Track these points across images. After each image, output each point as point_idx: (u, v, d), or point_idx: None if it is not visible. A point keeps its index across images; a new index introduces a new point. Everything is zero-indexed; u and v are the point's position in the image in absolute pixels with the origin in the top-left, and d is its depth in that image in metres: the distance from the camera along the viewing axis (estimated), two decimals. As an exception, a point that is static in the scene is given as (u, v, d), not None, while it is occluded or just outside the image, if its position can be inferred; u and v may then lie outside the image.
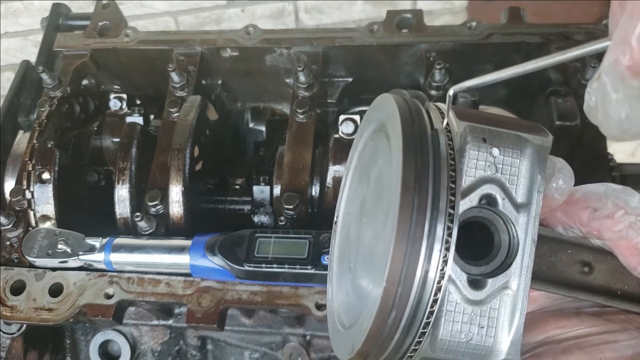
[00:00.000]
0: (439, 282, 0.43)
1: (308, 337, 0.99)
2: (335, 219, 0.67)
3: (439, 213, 0.43)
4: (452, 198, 0.44)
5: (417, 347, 0.45)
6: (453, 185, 0.44)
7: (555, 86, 1.06)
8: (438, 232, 0.43)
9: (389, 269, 0.42)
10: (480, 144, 0.46)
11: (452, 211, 0.43)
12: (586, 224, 0.51)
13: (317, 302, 0.84)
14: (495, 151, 0.46)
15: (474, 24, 1.10)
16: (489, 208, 0.46)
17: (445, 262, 0.43)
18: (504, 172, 0.46)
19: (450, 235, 0.43)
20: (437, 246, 0.43)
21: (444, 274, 0.43)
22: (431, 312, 0.43)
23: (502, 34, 1.09)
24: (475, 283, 0.46)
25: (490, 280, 0.46)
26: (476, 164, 0.45)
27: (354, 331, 0.47)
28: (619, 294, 0.54)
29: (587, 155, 1.00)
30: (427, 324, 0.44)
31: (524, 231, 0.47)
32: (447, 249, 0.43)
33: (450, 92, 0.49)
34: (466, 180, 0.45)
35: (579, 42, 1.07)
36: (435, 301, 0.43)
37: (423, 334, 0.45)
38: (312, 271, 0.82)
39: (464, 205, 0.45)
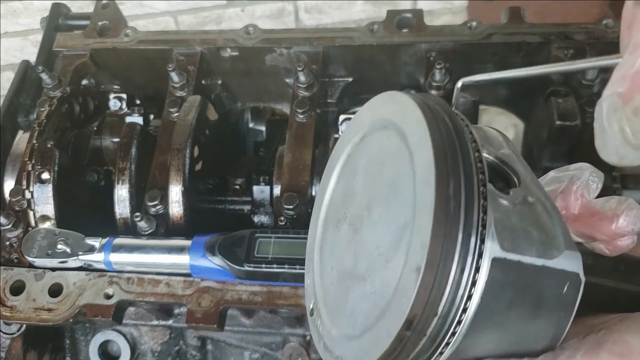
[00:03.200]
0: (470, 290, 0.43)
1: (308, 338, 0.99)
2: (318, 218, 0.64)
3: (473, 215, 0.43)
4: (483, 189, 0.44)
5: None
6: (483, 189, 0.44)
7: (555, 86, 1.06)
8: (474, 219, 0.42)
9: (422, 276, 0.40)
10: None
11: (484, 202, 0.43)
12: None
13: (317, 302, 0.84)
14: None
15: (474, 23, 1.10)
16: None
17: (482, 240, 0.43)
18: None
19: (485, 212, 0.43)
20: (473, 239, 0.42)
21: (480, 267, 0.43)
22: (459, 322, 0.43)
23: (503, 34, 1.09)
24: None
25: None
26: None
27: (366, 341, 0.46)
28: None
29: (587, 155, 0.99)
30: (454, 333, 0.43)
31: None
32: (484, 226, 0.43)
33: (459, 83, 0.49)
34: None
35: (579, 41, 1.07)
36: (465, 310, 0.43)
37: (447, 344, 0.44)
38: (312, 271, 0.82)
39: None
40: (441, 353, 0.44)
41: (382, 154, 0.53)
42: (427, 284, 0.41)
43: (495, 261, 0.43)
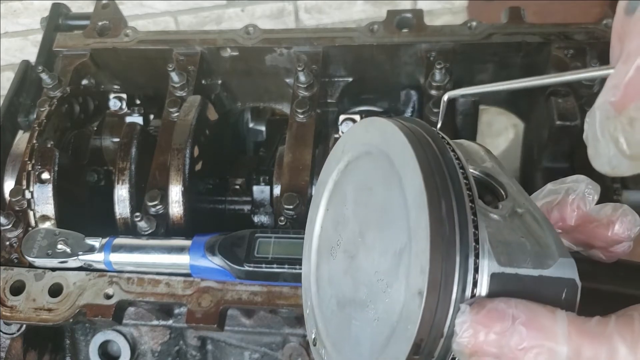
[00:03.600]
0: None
1: (308, 338, 0.98)
2: (311, 248, 0.63)
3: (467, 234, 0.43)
4: (472, 205, 0.45)
5: None
6: (476, 232, 0.44)
7: (555, 86, 1.06)
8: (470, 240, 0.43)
9: (426, 299, 0.41)
10: None
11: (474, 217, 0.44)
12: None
13: (317, 302, 0.84)
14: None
15: (474, 23, 1.10)
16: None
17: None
18: None
19: (476, 234, 0.44)
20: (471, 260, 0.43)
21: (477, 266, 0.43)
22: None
23: (503, 34, 1.09)
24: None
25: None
26: None
27: None
28: None
29: (587, 156, 1.00)
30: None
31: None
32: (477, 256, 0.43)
33: (445, 97, 0.50)
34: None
35: (580, 41, 1.07)
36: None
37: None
38: (312, 271, 0.82)
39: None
40: None
41: (370, 179, 0.54)
42: (430, 306, 0.41)
43: (493, 277, 0.44)
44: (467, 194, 0.45)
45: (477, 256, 0.43)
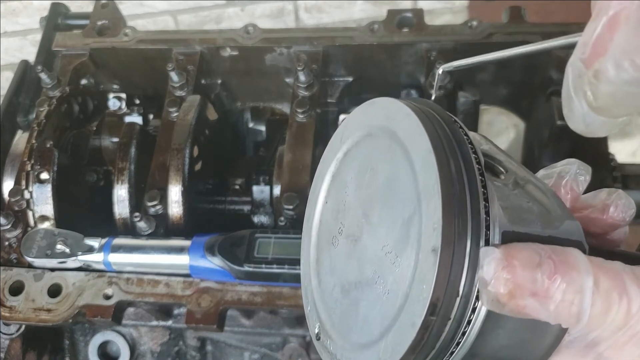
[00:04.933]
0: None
1: (308, 338, 0.98)
2: (309, 244, 0.62)
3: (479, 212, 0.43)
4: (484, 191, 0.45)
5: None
6: (485, 191, 0.44)
7: (556, 85, 1.06)
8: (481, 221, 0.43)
9: (440, 255, 0.40)
10: None
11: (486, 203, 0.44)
12: None
13: (317, 302, 0.84)
14: None
15: (474, 23, 1.09)
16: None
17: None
18: None
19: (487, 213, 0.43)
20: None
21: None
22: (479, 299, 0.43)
23: (503, 33, 1.08)
24: None
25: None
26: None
27: (389, 340, 0.46)
28: None
29: (588, 155, 1.00)
30: (474, 310, 0.43)
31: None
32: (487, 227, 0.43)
33: (440, 70, 0.50)
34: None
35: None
36: (474, 310, 0.43)
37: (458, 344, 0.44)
38: (312, 272, 0.82)
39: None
40: (464, 333, 0.44)
41: (371, 160, 0.53)
42: (445, 262, 0.41)
43: (505, 234, 0.43)
44: (474, 157, 0.45)
45: (487, 214, 0.43)
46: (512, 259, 0.41)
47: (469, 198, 0.42)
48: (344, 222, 0.56)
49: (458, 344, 0.44)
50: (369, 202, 0.52)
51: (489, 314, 0.43)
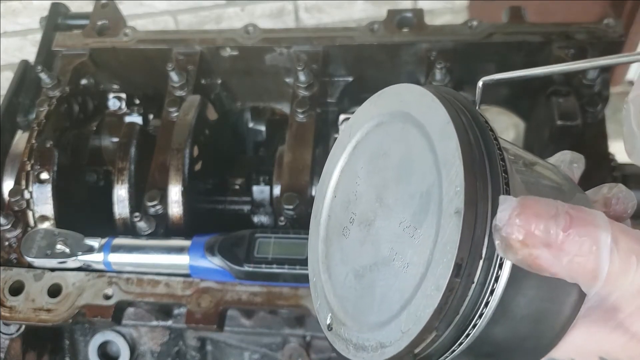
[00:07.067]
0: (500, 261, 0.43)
1: (308, 338, 0.98)
2: (317, 239, 0.64)
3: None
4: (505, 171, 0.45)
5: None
6: (503, 162, 0.45)
7: (556, 86, 1.05)
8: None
9: (464, 216, 0.41)
10: None
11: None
12: None
13: (317, 302, 0.84)
14: None
15: (475, 23, 1.09)
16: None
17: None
18: None
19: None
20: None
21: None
22: (501, 265, 0.43)
23: (503, 33, 1.08)
24: None
25: None
26: None
27: (411, 310, 0.45)
28: None
29: (588, 155, 0.99)
30: (497, 278, 0.43)
31: None
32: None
33: (480, 83, 0.51)
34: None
35: (581, 41, 1.07)
36: (497, 278, 0.43)
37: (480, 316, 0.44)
38: (312, 272, 0.82)
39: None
40: (487, 304, 0.43)
41: (383, 145, 0.54)
42: (469, 223, 0.41)
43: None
44: (490, 130, 0.46)
45: (507, 184, 0.43)
46: (527, 208, 0.41)
47: (488, 165, 0.43)
48: (356, 211, 0.56)
49: (481, 315, 0.43)
50: (383, 185, 0.53)
51: (510, 280, 0.43)
